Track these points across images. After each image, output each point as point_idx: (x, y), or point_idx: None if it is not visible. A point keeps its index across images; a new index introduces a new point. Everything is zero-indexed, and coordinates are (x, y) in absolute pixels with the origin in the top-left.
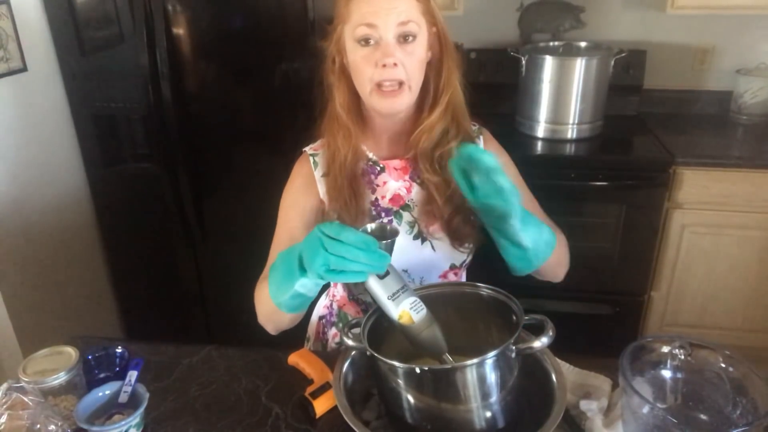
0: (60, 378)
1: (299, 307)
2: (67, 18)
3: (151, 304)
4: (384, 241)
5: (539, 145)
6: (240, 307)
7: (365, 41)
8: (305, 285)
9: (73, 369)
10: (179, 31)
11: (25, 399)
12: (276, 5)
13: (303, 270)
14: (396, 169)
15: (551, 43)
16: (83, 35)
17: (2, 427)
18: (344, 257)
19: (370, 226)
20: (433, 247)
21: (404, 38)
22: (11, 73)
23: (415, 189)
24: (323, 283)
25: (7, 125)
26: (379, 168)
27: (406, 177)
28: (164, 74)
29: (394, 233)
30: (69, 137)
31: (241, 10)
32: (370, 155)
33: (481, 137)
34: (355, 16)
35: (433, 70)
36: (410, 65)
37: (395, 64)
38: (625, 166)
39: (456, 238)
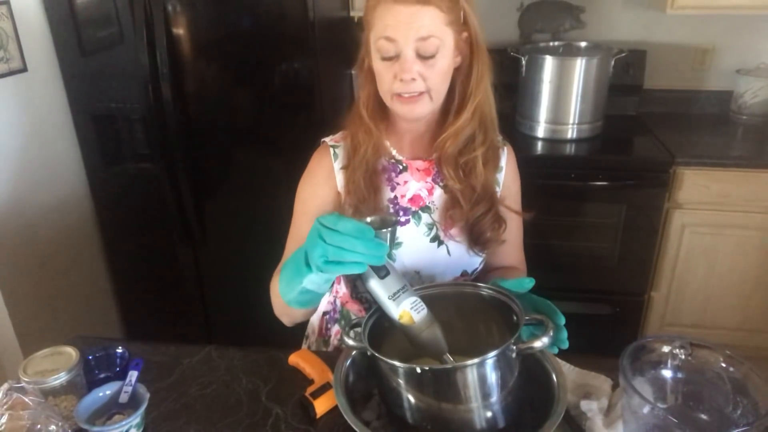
0: (60, 378)
1: (308, 303)
2: (67, 18)
3: (151, 304)
4: (382, 230)
5: (539, 145)
6: (240, 307)
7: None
8: (313, 281)
9: (74, 369)
10: (179, 31)
11: (26, 399)
12: (276, 5)
13: (309, 266)
14: (419, 170)
15: (551, 43)
16: (83, 35)
17: (3, 427)
18: (342, 247)
19: (370, 217)
20: (448, 252)
21: (424, 53)
22: (11, 73)
23: (438, 192)
24: (329, 277)
25: (8, 125)
26: (401, 167)
27: (429, 179)
28: (164, 74)
29: (393, 223)
30: (69, 137)
31: (241, 10)
32: (394, 152)
33: (505, 150)
34: (378, 27)
35: (462, 74)
36: (431, 77)
37: (413, 79)
38: (625, 166)
39: (476, 243)
